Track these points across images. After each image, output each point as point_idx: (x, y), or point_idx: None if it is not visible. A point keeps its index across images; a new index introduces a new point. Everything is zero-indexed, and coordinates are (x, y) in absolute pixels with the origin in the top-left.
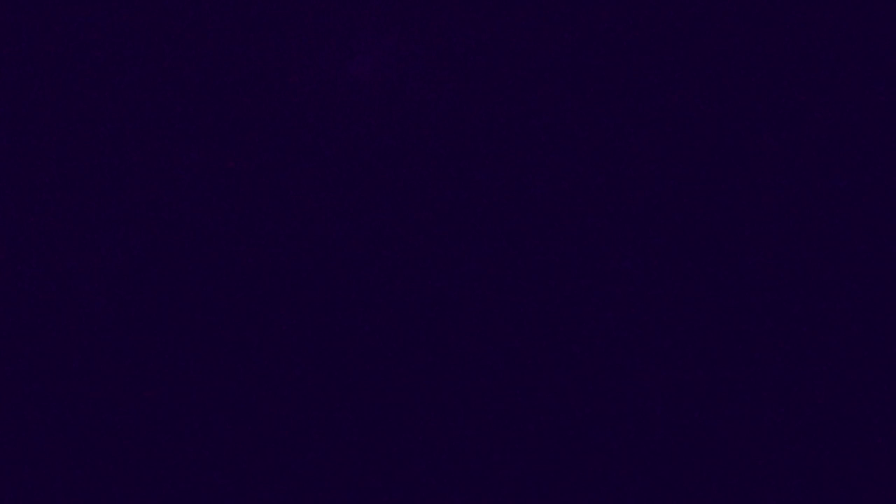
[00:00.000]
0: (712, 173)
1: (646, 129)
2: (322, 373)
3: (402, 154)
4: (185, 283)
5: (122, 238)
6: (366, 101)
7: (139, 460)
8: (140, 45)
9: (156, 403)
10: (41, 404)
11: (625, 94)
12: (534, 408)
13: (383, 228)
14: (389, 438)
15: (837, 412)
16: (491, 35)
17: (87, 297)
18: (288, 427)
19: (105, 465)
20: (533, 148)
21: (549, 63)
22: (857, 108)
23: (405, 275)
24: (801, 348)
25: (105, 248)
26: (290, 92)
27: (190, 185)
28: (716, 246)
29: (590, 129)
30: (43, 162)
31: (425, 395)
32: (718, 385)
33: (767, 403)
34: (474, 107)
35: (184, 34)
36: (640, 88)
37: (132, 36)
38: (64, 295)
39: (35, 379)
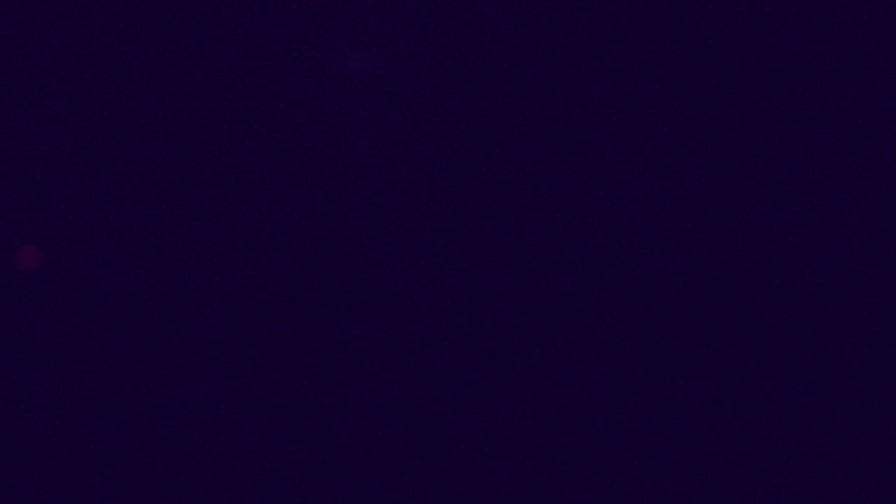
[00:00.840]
0: (711, 175)
1: (645, 131)
2: (320, 373)
3: (399, 150)
4: (181, 282)
5: (118, 237)
6: (364, 98)
7: (138, 460)
8: (138, 41)
9: (155, 403)
10: (41, 404)
11: (623, 94)
12: (531, 409)
13: (381, 224)
14: (388, 439)
15: (837, 412)
16: (488, 34)
17: (87, 296)
18: (285, 427)
19: (105, 465)
20: (531, 146)
21: (547, 63)
22: (857, 109)
23: (404, 271)
24: (800, 349)
25: (102, 246)
26: (288, 89)
27: (188, 182)
28: (714, 247)
29: (587, 125)
30: (41, 160)
31: (423, 395)
32: (717, 385)
33: (767, 404)
34: (471, 105)
35: (183, 32)
36: (639, 91)
37: (131, 35)
38: (62, 294)
39: (35, 378)
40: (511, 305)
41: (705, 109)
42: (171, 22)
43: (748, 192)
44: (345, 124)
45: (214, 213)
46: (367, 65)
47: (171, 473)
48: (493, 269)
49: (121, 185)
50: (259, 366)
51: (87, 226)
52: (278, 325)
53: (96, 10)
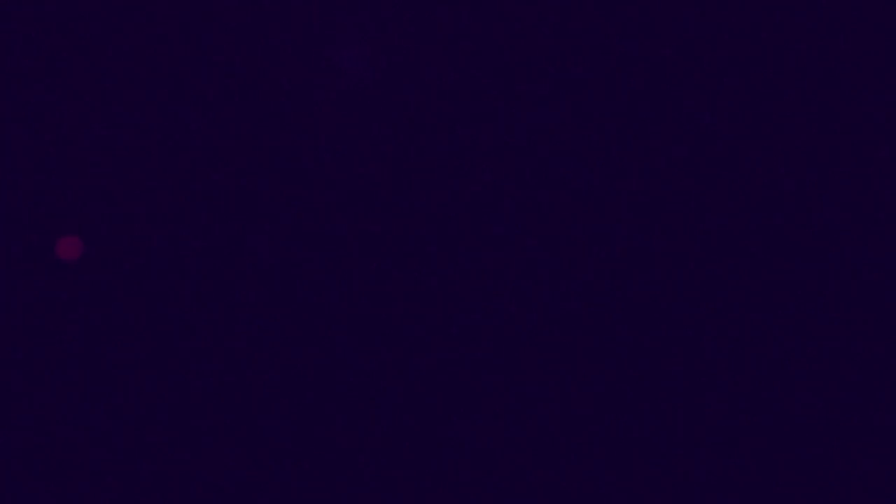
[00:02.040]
0: (712, 176)
1: (643, 131)
2: (317, 373)
3: (389, 147)
4: (178, 282)
5: (115, 236)
6: (357, 95)
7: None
8: (130, 40)
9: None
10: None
11: (615, 91)
12: (532, 409)
13: (378, 222)
14: (388, 440)
15: (837, 413)
16: (477, 30)
17: (84, 297)
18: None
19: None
20: (527, 145)
21: (539, 60)
22: (857, 109)
23: (402, 269)
24: (800, 350)
25: (101, 246)
26: (277, 86)
27: (179, 180)
28: (715, 248)
29: (585, 124)
30: (39, 159)
31: (423, 395)
32: (717, 386)
33: (765, 405)
34: (461, 101)
35: (178, 31)
36: (638, 90)
37: (127, 33)
38: (60, 296)
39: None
40: (509, 304)
41: (706, 111)
42: (159, 19)
43: (749, 192)
44: (333, 121)
45: (205, 210)
46: (354, 62)
47: (171, 473)
48: (488, 267)
49: (113, 183)
50: (258, 365)
51: (82, 227)
52: (276, 324)
53: (86, 8)
